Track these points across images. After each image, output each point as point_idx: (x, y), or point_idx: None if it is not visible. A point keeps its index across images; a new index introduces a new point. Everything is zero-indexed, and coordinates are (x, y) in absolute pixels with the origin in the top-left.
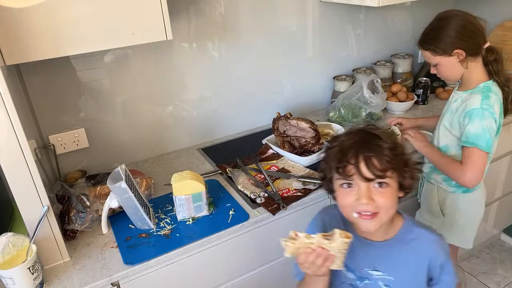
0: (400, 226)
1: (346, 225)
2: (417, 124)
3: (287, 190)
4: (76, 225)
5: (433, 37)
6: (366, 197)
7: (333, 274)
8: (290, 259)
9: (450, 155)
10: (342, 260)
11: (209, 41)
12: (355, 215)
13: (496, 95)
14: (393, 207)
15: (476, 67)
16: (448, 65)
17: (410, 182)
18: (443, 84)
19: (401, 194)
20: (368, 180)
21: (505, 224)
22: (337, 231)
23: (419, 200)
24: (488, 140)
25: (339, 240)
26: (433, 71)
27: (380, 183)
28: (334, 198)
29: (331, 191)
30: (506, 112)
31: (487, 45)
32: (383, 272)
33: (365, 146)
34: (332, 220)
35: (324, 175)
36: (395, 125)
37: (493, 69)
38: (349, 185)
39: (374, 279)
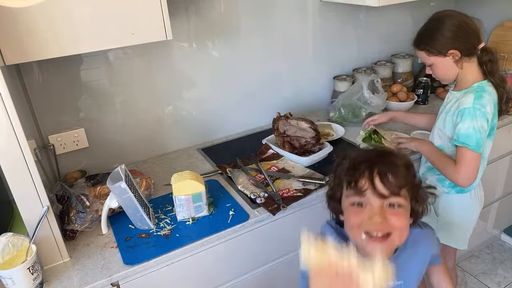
0: None
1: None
2: (394, 117)
3: (287, 190)
4: (76, 225)
5: (428, 37)
6: (380, 215)
7: None
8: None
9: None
10: None
11: (209, 41)
12: (363, 236)
13: (490, 95)
14: (407, 230)
15: (471, 67)
16: (443, 65)
17: (422, 207)
18: (444, 84)
19: (410, 221)
20: (383, 196)
21: (505, 224)
22: (379, 258)
23: None
24: (478, 140)
25: (378, 271)
26: (428, 71)
27: (393, 205)
28: (340, 224)
29: (338, 212)
30: (501, 112)
31: (482, 45)
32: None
33: (379, 160)
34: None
35: (332, 194)
36: (371, 127)
37: (487, 69)
38: (360, 204)
39: None
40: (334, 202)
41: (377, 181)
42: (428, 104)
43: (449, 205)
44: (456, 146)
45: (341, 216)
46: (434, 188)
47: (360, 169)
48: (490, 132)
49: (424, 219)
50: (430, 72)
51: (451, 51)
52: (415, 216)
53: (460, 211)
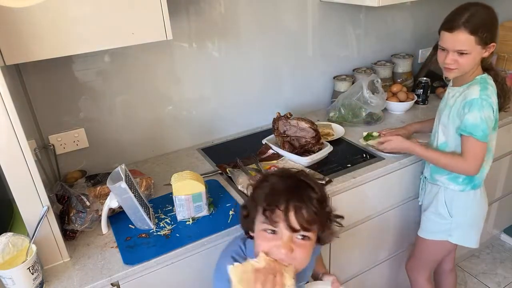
0: None
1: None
2: (411, 130)
3: None
4: (76, 225)
5: (484, 24)
6: (287, 248)
7: None
8: None
9: (449, 152)
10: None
11: (209, 41)
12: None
13: (492, 86)
14: (308, 260)
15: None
16: (474, 57)
17: (328, 237)
18: (443, 84)
19: (315, 246)
20: (295, 230)
21: (505, 224)
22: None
23: (420, 203)
24: (484, 130)
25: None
26: (450, 58)
27: (302, 236)
28: (250, 237)
29: (249, 229)
30: (500, 109)
31: None
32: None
33: (296, 194)
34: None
35: (247, 213)
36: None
37: (486, 65)
38: (273, 231)
39: None
40: (248, 221)
41: (291, 215)
42: (428, 104)
43: (465, 203)
44: (461, 136)
45: (251, 232)
46: (342, 218)
47: (277, 199)
48: (494, 125)
49: (438, 220)
50: (451, 60)
51: (493, 43)
52: (321, 241)
53: (475, 207)
